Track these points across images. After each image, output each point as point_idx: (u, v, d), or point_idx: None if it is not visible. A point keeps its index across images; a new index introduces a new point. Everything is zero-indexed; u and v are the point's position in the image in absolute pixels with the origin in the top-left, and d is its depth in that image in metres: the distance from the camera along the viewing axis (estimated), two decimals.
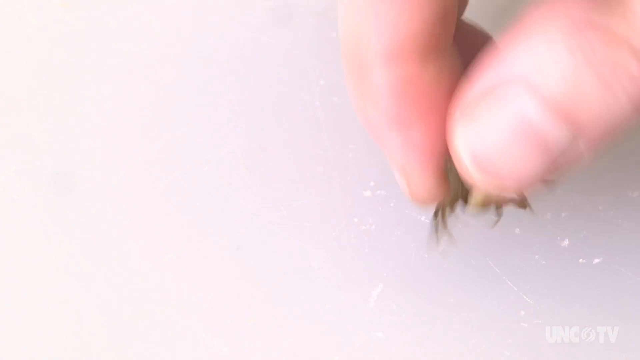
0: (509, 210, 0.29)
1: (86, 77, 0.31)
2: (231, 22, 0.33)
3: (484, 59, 0.21)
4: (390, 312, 0.27)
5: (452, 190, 0.24)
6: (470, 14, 0.25)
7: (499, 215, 0.25)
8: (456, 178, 0.23)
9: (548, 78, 0.19)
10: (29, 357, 0.27)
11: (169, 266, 0.28)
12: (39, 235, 0.29)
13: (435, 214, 0.25)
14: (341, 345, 0.27)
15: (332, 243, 0.28)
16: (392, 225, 0.29)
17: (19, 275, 0.28)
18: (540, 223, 0.29)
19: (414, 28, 0.21)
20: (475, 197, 0.24)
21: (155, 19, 0.33)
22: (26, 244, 0.29)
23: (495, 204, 0.24)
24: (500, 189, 0.22)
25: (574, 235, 0.29)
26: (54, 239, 0.29)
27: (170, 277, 0.28)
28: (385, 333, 0.27)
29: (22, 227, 0.29)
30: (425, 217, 0.29)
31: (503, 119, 0.20)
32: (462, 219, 0.28)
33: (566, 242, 0.28)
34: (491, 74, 0.20)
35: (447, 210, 0.24)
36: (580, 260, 0.28)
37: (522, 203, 0.25)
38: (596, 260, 0.28)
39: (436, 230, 0.25)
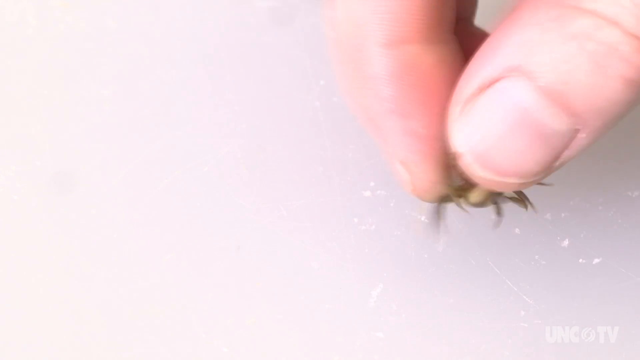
0: (509, 210, 0.29)
1: (86, 77, 0.31)
2: (231, 22, 0.33)
3: (479, 51, 0.21)
4: (390, 312, 0.27)
5: (453, 185, 0.23)
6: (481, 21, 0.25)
7: (500, 215, 0.25)
8: (456, 174, 0.23)
9: (543, 67, 0.19)
10: (29, 357, 0.27)
11: (169, 266, 0.28)
12: (39, 235, 0.29)
13: (434, 207, 0.24)
14: (341, 345, 0.27)
15: (332, 243, 0.28)
16: (392, 225, 0.29)
17: (19, 275, 0.28)
18: (540, 223, 0.29)
19: (413, 13, 0.21)
20: (475, 193, 0.23)
21: (155, 19, 0.33)
22: (26, 244, 0.29)
23: (495, 201, 0.24)
24: (502, 185, 0.21)
25: (574, 235, 0.29)
26: (54, 239, 0.29)
27: (170, 277, 0.28)
28: (385, 333, 0.27)
29: (22, 227, 0.29)
30: (426, 217, 0.29)
31: (501, 112, 0.20)
32: (462, 218, 0.29)
33: (566, 242, 0.28)
34: (486, 67, 0.20)
35: (446, 203, 0.24)
36: (580, 260, 0.28)
37: (521, 200, 0.25)
38: (596, 260, 0.28)
39: (434, 222, 0.25)
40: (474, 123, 0.21)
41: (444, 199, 0.24)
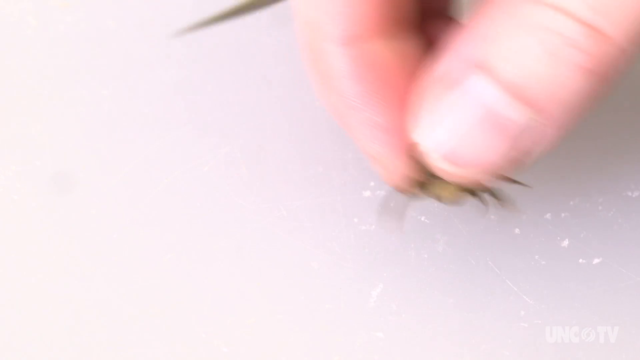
0: (509, 210, 0.29)
1: (86, 77, 0.31)
2: (231, 22, 0.32)
3: (445, 47, 0.21)
4: (390, 312, 0.27)
5: (425, 180, 0.24)
6: None
7: (483, 203, 0.25)
8: (425, 168, 0.23)
9: (503, 62, 0.19)
10: (29, 357, 0.27)
11: (169, 266, 0.28)
12: (39, 235, 0.29)
13: (398, 196, 0.24)
14: (341, 345, 0.27)
15: (332, 243, 0.28)
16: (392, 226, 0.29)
17: (19, 275, 0.28)
18: (540, 223, 0.29)
19: (367, 11, 0.21)
20: (446, 189, 0.24)
21: (155, 19, 0.33)
22: (26, 244, 0.29)
23: (468, 194, 0.24)
24: (469, 180, 0.22)
25: (574, 235, 0.29)
26: (54, 239, 0.29)
27: (170, 277, 0.28)
28: (385, 333, 0.27)
29: (22, 227, 0.29)
30: (425, 217, 0.29)
31: (464, 108, 0.20)
32: (462, 218, 0.29)
33: (566, 242, 0.28)
34: (449, 63, 0.21)
35: (410, 195, 0.24)
36: (580, 260, 0.28)
37: (497, 194, 0.25)
38: (596, 260, 0.28)
39: (396, 213, 0.25)
40: (438, 119, 0.21)
41: (417, 193, 0.24)
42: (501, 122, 0.20)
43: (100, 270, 0.28)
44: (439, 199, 0.24)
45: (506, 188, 0.24)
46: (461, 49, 0.20)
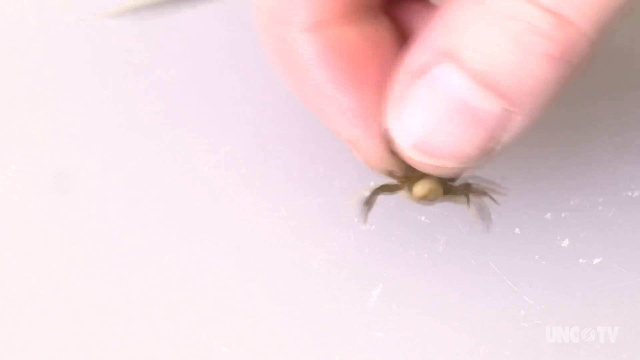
0: (509, 210, 0.29)
1: (86, 77, 0.31)
2: (231, 22, 0.33)
3: (415, 38, 0.21)
4: (390, 312, 0.27)
5: (401, 171, 0.24)
6: None
7: (468, 199, 0.25)
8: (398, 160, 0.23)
9: (470, 51, 0.20)
10: (29, 357, 0.27)
11: (169, 266, 0.28)
12: (39, 235, 0.29)
13: (373, 191, 0.25)
14: (341, 345, 0.27)
15: (332, 243, 0.28)
16: (392, 225, 0.29)
17: (19, 275, 0.28)
18: (540, 223, 0.29)
19: None
20: (419, 185, 0.24)
21: (155, 18, 0.33)
22: (26, 244, 0.29)
23: (447, 191, 0.24)
24: (440, 170, 0.22)
25: (574, 235, 0.29)
26: (54, 239, 0.29)
27: (170, 277, 0.28)
28: (385, 333, 0.27)
29: (22, 227, 0.29)
30: (426, 217, 0.29)
31: (434, 98, 0.20)
32: (462, 218, 0.29)
33: (566, 242, 0.28)
34: (418, 54, 0.21)
35: (381, 190, 0.24)
36: (580, 260, 0.28)
37: (479, 189, 0.25)
38: (596, 260, 0.28)
39: (364, 205, 0.25)
40: (409, 109, 0.21)
41: (391, 189, 0.24)
42: (471, 110, 0.20)
43: (100, 270, 0.28)
44: (416, 194, 0.24)
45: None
46: (429, 38, 0.20)
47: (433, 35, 0.20)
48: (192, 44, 0.32)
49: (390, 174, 0.24)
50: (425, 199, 0.24)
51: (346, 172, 0.29)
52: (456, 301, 0.27)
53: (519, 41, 0.19)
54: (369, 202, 0.25)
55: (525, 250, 0.28)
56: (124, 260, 0.28)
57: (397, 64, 0.21)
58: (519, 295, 0.28)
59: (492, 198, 0.25)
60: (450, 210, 0.29)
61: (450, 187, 0.24)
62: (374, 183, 0.25)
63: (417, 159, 0.21)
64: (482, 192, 0.25)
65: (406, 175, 0.24)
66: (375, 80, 0.22)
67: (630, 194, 0.29)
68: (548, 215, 0.29)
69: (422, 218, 0.29)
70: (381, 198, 0.26)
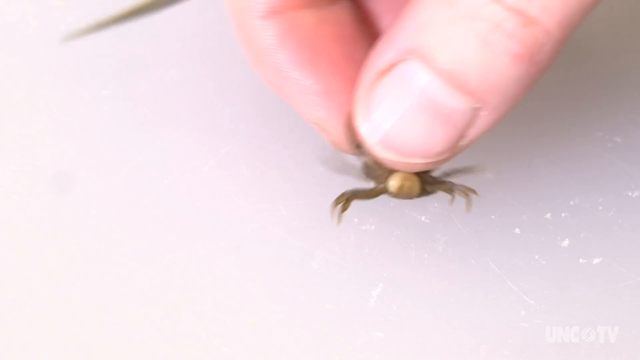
0: (509, 210, 0.29)
1: (86, 77, 0.31)
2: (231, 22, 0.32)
3: (382, 36, 0.21)
4: (390, 312, 0.27)
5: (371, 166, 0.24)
6: None
7: (453, 195, 0.25)
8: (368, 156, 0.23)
9: (436, 49, 0.20)
10: (29, 357, 0.27)
11: (169, 266, 0.28)
12: (39, 235, 0.29)
13: (347, 197, 0.25)
14: (341, 345, 0.27)
15: (332, 243, 0.28)
16: (392, 225, 0.29)
17: (19, 275, 0.28)
18: (540, 223, 0.29)
19: None
20: (392, 179, 0.24)
21: (155, 18, 0.33)
22: (26, 244, 0.29)
23: (422, 193, 0.24)
24: (406, 166, 0.22)
25: (574, 235, 0.29)
26: (54, 239, 0.29)
27: (170, 277, 0.28)
28: (385, 333, 0.27)
29: (22, 227, 0.29)
30: (425, 217, 0.29)
31: (400, 95, 0.21)
32: (462, 218, 0.29)
33: (566, 242, 0.28)
34: (385, 51, 0.21)
35: (355, 196, 0.25)
36: (580, 260, 0.28)
37: (448, 188, 0.25)
38: (596, 260, 0.28)
39: (339, 203, 0.25)
40: (375, 106, 0.21)
41: (351, 193, 0.25)
42: (437, 107, 0.20)
43: (100, 270, 0.28)
44: (390, 188, 0.24)
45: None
46: (396, 36, 0.21)
47: (400, 33, 0.21)
48: (192, 44, 0.32)
49: (357, 153, 0.24)
50: (402, 192, 0.24)
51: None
52: (456, 301, 0.27)
53: (485, 40, 0.19)
54: (343, 208, 0.25)
55: (525, 250, 0.28)
56: (124, 260, 0.28)
57: (365, 62, 0.22)
58: (519, 295, 0.28)
59: (471, 191, 0.25)
60: (450, 210, 0.29)
61: (427, 181, 0.25)
62: (350, 190, 0.25)
63: (384, 155, 0.22)
64: (462, 190, 0.25)
65: (375, 169, 0.24)
66: (336, 63, 0.23)
67: (630, 194, 0.29)
68: (548, 215, 0.29)
69: (422, 218, 0.29)
70: (382, 198, 0.26)
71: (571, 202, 0.29)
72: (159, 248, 0.28)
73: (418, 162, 0.22)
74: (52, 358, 0.27)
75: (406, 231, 0.29)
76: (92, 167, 0.30)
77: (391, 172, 0.24)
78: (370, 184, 0.25)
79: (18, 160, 0.30)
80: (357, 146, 0.24)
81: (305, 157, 0.30)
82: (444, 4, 0.20)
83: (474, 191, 0.25)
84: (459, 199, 0.25)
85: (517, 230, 0.29)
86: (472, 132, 0.21)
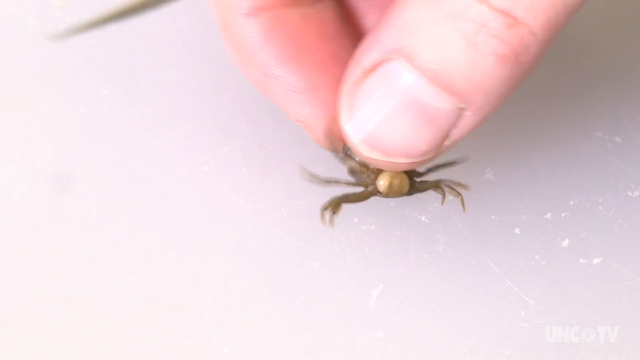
0: (509, 210, 0.29)
1: (86, 77, 0.31)
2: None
3: (366, 35, 0.22)
4: (390, 312, 0.27)
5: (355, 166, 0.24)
6: None
7: (443, 194, 0.25)
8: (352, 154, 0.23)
9: (420, 49, 0.20)
10: (29, 357, 0.27)
11: (169, 266, 0.28)
12: (39, 235, 0.29)
13: (336, 202, 0.25)
14: (341, 345, 0.27)
15: (332, 243, 0.28)
16: (392, 225, 0.29)
17: (19, 275, 0.28)
18: (540, 223, 0.29)
19: None
20: (380, 179, 0.24)
21: (155, 19, 0.33)
22: (26, 244, 0.29)
23: (412, 191, 0.25)
24: (390, 165, 0.22)
25: (574, 235, 0.29)
26: (54, 238, 0.29)
27: (170, 277, 0.28)
28: (385, 333, 0.27)
29: (21, 227, 0.29)
30: (425, 217, 0.29)
31: (385, 94, 0.21)
32: (462, 218, 0.29)
33: (566, 242, 0.28)
34: (370, 51, 0.21)
35: (343, 201, 0.25)
36: (580, 260, 0.28)
37: (435, 184, 0.25)
38: (596, 260, 0.28)
39: (327, 209, 0.25)
40: (360, 106, 0.21)
41: (341, 198, 0.25)
42: (421, 106, 0.20)
43: (100, 270, 0.28)
44: (380, 187, 0.24)
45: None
46: (381, 35, 0.21)
47: (385, 32, 0.21)
48: (192, 44, 0.32)
49: (336, 150, 0.24)
50: (392, 191, 0.24)
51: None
52: (456, 301, 0.27)
53: (470, 41, 0.19)
54: (333, 212, 0.25)
55: (525, 250, 0.28)
56: (124, 260, 0.28)
57: (350, 62, 0.22)
58: (519, 295, 0.28)
59: (461, 185, 0.25)
60: (450, 210, 0.29)
61: (416, 183, 0.25)
62: (339, 195, 0.25)
63: (368, 154, 0.22)
64: (451, 185, 0.25)
65: (362, 172, 0.24)
66: (320, 60, 0.23)
67: (630, 194, 0.29)
68: (548, 215, 0.29)
69: (422, 218, 0.29)
70: (382, 198, 0.26)
71: (571, 202, 0.29)
72: (159, 248, 0.28)
73: (402, 161, 0.22)
74: (52, 358, 0.27)
75: (406, 231, 0.29)
76: (92, 167, 0.30)
77: (378, 172, 0.24)
78: (359, 188, 0.25)
79: (18, 160, 0.30)
80: (342, 150, 0.24)
81: (305, 158, 0.30)
82: (429, 3, 0.20)
83: (464, 185, 0.25)
84: (456, 200, 0.26)
85: (517, 230, 0.29)
86: (457, 132, 0.21)
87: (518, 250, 0.28)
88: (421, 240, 0.28)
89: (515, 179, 0.30)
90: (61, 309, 0.28)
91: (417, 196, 0.26)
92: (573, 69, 0.32)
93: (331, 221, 0.25)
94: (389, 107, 0.21)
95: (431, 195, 0.26)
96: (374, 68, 0.21)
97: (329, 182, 0.25)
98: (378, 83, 0.21)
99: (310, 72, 0.23)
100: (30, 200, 0.29)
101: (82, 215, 0.29)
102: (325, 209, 0.25)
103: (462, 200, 0.25)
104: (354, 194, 0.25)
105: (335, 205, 0.25)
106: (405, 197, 0.25)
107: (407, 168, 0.23)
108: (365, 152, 0.22)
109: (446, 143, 0.21)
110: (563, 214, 0.29)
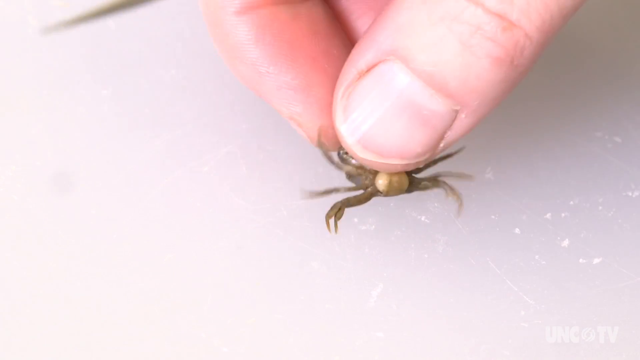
0: (509, 210, 0.29)
1: (86, 77, 0.31)
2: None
3: (361, 37, 0.22)
4: (390, 312, 0.27)
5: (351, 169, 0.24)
6: None
7: (447, 192, 0.25)
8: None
9: (415, 50, 0.20)
10: (29, 357, 0.27)
11: (169, 266, 0.28)
12: (39, 235, 0.29)
13: (336, 206, 0.25)
14: (341, 345, 0.27)
15: (332, 243, 0.28)
16: (392, 225, 0.29)
17: (19, 275, 0.28)
18: (540, 223, 0.29)
19: None
20: (378, 179, 0.24)
21: (155, 19, 0.33)
22: (26, 244, 0.29)
23: (411, 189, 0.25)
24: (385, 167, 0.22)
25: (574, 235, 0.29)
26: (54, 238, 0.29)
27: (170, 277, 0.28)
28: (385, 333, 0.27)
29: (22, 227, 0.29)
30: (425, 217, 0.29)
31: (379, 95, 0.21)
32: (462, 218, 0.29)
33: (566, 242, 0.28)
34: (365, 52, 0.21)
35: (345, 204, 0.25)
36: (580, 260, 0.28)
37: (433, 179, 0.25)
38: (596, 260, 0.28)
39: (331, 217, 0.25)
40: (355, 107, 0.21)
41: (356, 201, 0.25)
42: (416, 108, 0.20)
43: (100, 270, 0.28)
44: (379, 187, 0.24)
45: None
46: (376, 36, 0.21)
47: (380, 34, 0.21)
48: (192, 44, 0.32)
49: (329, 150, 0.24)
50: (392, 188, 0.24)
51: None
52: (456, 301, 0.27)
53: (465, 43, 0.19)
54: (337, 217, 0.25)
55: (525, 250, 0.28)
56: (124, 260, 0.28)
57: (345, 63, 0.22)
58: (519, 295, 0.28)
59: (456, 190, 0.25)
60: (450, 210, 0.29)
61: (416, 179, 0.25)
62: (341, 200, 0.25)
63: (362, 156, 0.22)
64: (450, 189, 0.25)
65: (359, 175, 0.24)
66: (313, 57, 0.23)
67: (630, 194, 0.29)
68: (548, 215, 0.29)
69: (422, 218, 0.29)
70: (382, 198, 0.26)
71: (571, 202, 0.29)
72: (159, 248, 0.28)
73: (397, 163, 0.22)
74: (52, 358, 0.27)
75: (406, 231, 0.29)
76: (92, 167, 0.30)
77: (376, 172, 0.24)
78: (359, 191, 0.25)
79: (18, 160, 0.30)
80: (338, 155, 0.24)
81: (305, 157, 0.30)
82: (424, 5, 0.20)
83: (467, 176, 0.25)
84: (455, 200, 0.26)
85: (517, 230, 0.29)
86: (451, 134, 0.21)
87: (518, 250, 0.28)
88: (421, 240, 0.28)
89: (515, 179, 0.30)
90: (61, 309, 0.28)
91: (417, 196, 0.26)
92: (573, 69, 0.32)
93: (336, 226, 0.25)
94: (384, 109, 0.21)
95: (431, 195, 0.26)
96: (369, 69, 0.21)
97: (329, 192, 0.25)
98: (373, 84, 0.21)
99: (303, 69, 0.23)
100: (30, 200, 0.29)
101: (82, 215, 0.29)
102: (329, 217, 0.25)
103: (460, 204, 0.25)
104: (355, 197, 0.25)
105: (338, 210, 0.25)
106: (406, 197, 0.25)
107: (401, 169, 0.23)
108: (360, 153, 0.22)
109: (441, 145, 0.21)
110: (563, 214, 0.29)
